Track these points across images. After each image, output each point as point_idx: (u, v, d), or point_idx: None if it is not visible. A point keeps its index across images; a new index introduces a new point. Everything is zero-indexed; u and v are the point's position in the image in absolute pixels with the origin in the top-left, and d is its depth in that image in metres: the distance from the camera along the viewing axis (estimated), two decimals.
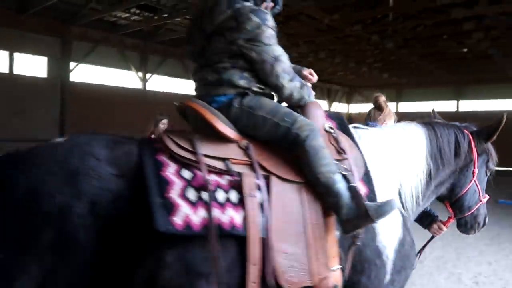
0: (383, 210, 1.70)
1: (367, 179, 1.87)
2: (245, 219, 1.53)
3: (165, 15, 10.75)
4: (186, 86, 15.42)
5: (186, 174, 1.56)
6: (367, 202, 1.70)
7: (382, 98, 3.33)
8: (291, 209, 1.64)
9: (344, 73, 19.28)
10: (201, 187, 1.52)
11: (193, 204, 1.49)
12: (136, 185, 1.49)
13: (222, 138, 1.68)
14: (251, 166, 1.65)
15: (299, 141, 1.68)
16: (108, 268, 1.43)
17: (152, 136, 5.42)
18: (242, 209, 1.54)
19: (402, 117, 2.89)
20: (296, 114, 1.76)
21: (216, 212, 1.49)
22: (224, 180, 1.59)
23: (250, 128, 1.75)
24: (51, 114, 11.24)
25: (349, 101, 25.32)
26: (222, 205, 1.53)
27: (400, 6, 9.64)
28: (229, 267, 1.50)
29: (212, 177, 1.56)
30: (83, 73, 12.27)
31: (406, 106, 23.08)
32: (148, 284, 1.44)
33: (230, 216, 1.52)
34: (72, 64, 11.69)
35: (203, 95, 1.80)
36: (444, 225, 2.53)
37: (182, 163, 1.57)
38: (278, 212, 1.59)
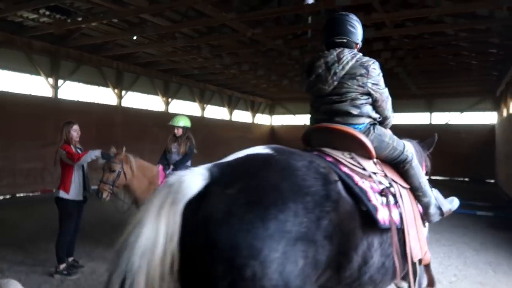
0: (455, 204, 2.80)
1: None
2: (400, 216, 2.20)
3: (80, 19, 10.05)
4: (103, 94, 14.56)
5: (366, 184, 2.10)
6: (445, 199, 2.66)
7: None
8: (409, 206, 2.33)
9: (267, 85, 19.75)
10: (379, 193, 2.13)
11: (382, 205, 2.08)
12: (344, 190, 1.95)
13: (366, 156, 2.30)
14: (386, 177, 2.30)
15: (408, 160, 2.45)
16: (337, 255, 1.80)
17: (69, 145, 4.95)
18: (397, 209, 2.20)
19: None
20: (400, 140, 2.51)
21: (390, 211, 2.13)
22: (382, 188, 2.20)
23: (377, 149, 2.36)
24: None
25: (272, 113, 25.99)
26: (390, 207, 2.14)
27: (318, 23, 10.15)
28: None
29: (379, 186, 2.18)
30: None
31: None
32: (361, 266, 1.93)
33: (396, 214, 2.17)
34: None
35: (340, 123, 2.35)
36: None
37: (358, 175, 2.13)
38: (407, 209, 2.28)
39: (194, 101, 19.16)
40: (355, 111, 2.32)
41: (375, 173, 2.23)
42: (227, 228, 1.50)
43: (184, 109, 18.33)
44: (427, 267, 2.46)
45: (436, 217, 2.57)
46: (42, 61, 12.15)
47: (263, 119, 25.44)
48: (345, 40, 2.45)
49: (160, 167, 5.59)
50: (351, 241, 1.87)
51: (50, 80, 12.45)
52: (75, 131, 5.03)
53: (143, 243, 1.49)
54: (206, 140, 18.19)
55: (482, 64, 13.73)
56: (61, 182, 4.95)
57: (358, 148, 2.27)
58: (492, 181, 17.82)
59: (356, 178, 2.07)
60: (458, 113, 20.00)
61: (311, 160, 1.90)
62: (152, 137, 14.67)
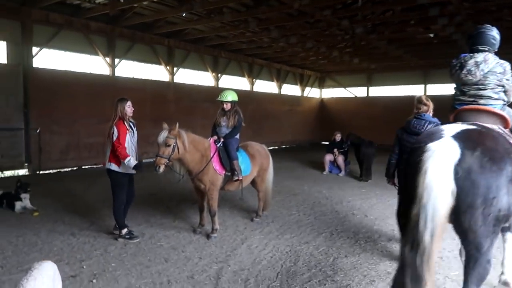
0: None
1: None
2: None
3: None
4: (156, 72, 15.12)
5: None
6: None
7: (425, 96, 5.06)
8: None
9: (316, 58, 19.38)
10: None
11: None
12: None
13: (504, 126, 3.20)
14: None
15: None
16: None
17: (123, 121, 5.27)
18: None
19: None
20: None
21: None
22: None
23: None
24: (12, 102, 10.75)
25: (321, 86, 25.56)
26: None
27: None
28: None
29: None
30: (47, 58, 11.78)
31: (376, 91, 23.55)
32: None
33: None
34: (34, 49, 11.19)
35: (483, 104, 3.30)
36: None
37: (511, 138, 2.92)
38: None
39: (243, 75, 19.30)
40: (495, 96, 3.33)
41: None
42: (483, 176, 2.52)
43: (234, 83, 18.55)
44: None
45: None
46: (99, 41, 12.82)
47: (313, 92, 25.12)
48: (486, 49, 3.43)
49: (212, 140, 5.81)
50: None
51: (108, 59, 13.13)
52: (129, 107, 5.33)
53: (435, 188, 2.50)
54: (255, 114, 18.39)
55: None
56: (112, 155, 5.29)
57: (500, 122, 3.22)
58: None
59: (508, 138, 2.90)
60: None
61: (498, 131, 2.90)
62: (202, 112, 15.10)
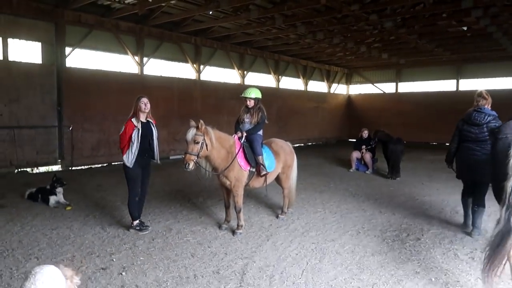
0: None
1: None
2: None
3: None
4: (183, 70, 15.31)
5: None
6: None
7: (484, 91, 5.39)
8: None
9: (343, 54, 19.09)
10: None
11: None
12: None
13: None
14: None
15: None
16: None
17: (131, 118, 5.49)
18: None
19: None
20: None
21: None
22: None
23: None
24: (47, 100, 11.17)
25: (348, 82, 25.17)
26: None
27: None
28: None
29: None
30: (79, 58, 12.16)
31: (406, 86, 22.96)
32: None
33: None
34: (67, 50, 11.57)
35: None
36: None
37: None
38: None
39: (269, 73, 19.26)
40: None
41: None
42: None
43: (260, 81, 18.54)
44: None
45: None
46: (128, 40, 13.11)
47: (340, 89, 24.77)
48: None
49: (236, 136, 5.83)
50: None
51: (136, 58, 13.42)
52: (142, 103, 5.50)
53: None
54: (281, 111, 18.35)
55: None
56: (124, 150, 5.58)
57: None
58: None
59: None
60: None
61: None
62: (228, 109, 15.18)
